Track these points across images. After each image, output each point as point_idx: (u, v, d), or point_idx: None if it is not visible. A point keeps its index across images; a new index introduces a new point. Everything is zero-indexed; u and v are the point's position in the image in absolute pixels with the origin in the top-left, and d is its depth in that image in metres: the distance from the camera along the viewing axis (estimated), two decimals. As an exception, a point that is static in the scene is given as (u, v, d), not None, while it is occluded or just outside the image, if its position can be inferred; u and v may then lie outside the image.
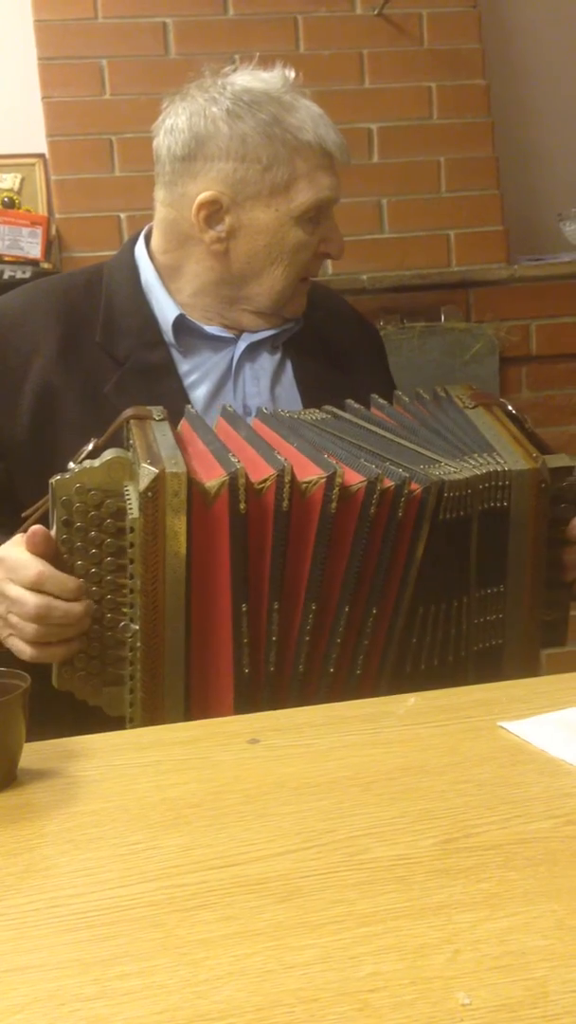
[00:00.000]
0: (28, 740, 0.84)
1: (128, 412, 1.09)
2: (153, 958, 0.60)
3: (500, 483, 1.07)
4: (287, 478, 0.98)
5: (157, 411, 1.10)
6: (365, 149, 2.76)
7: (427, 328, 2.61)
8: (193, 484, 0.97)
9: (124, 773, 0.83)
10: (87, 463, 1.03)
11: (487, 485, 1.06)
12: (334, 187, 1.24)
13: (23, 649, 1.03)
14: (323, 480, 0.98)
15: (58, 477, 1.02)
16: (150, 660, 1.00)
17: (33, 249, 2.55)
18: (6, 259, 2.52)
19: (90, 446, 1.08)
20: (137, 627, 1.00)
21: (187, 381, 1.26)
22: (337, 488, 0.98)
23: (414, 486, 1.00)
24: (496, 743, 0.85)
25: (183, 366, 1.26)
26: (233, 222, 1.22)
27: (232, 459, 0.99)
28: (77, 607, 1.00)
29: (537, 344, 2.73)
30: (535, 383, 2.75)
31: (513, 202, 2.92)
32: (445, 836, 0.71)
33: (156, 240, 1.29)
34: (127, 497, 1.01)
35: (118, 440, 1.10)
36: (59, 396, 1.22)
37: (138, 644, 1.00)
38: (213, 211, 1.22)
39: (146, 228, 1.32)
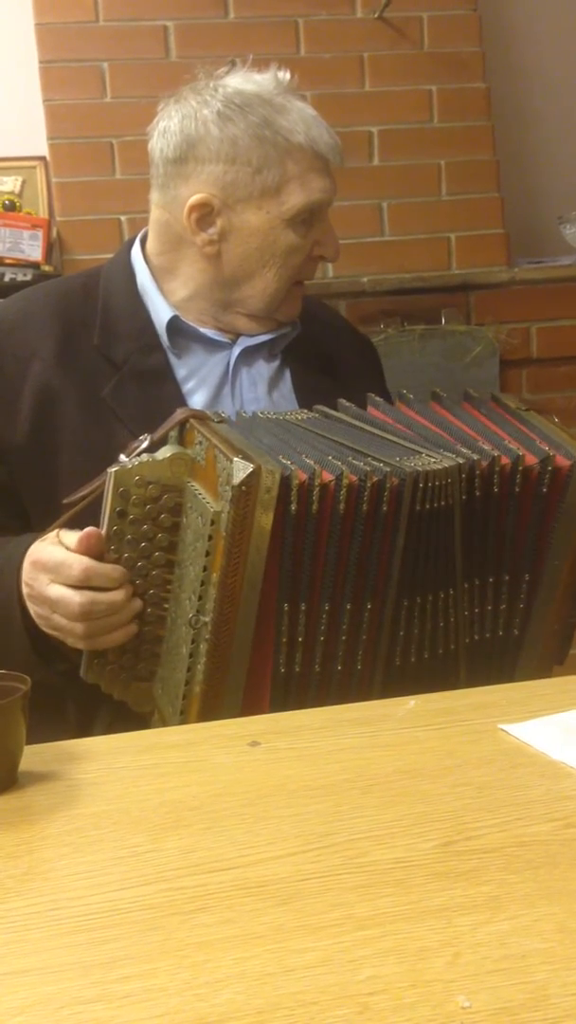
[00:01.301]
0: (31, 742, 0.84)
1: (181, 413, 1.09)
2: (153, 961, 0.60)
3: (494, 471, 1.05)
4: (317, 480, 0.99)
5: (212, 413, 1.11)
6: (366, 152, 2.76)
7: (427, 331, 2.61)
8: (283, 483, 0.98)
9: (124, 776, 0.83)
10: (146, 456, 1.04)
11: (469, 475, 1.05)
12: (327, 189, 1.24)
13: (76, 643, 1.05)
14: (333, 481, 0.99)
15: (117, 467, 1.03)
16: (218, 653, 1.00)
17: (34, 252, 2.55)
18: (7, 262, 2.52)
19: (145, 442, 1.08)
20: (207, 619, 1.00)
21: (185, 387, 1.26)
22: (345, 488, 0.99)
23: (393, 479, 1.01)
24: (496, 746, 0.85)
25: (180, 371, 1.27)
26: (224, 224, 1.22)
27: (283, 460, 1.00)
28: (119, 595, 1.02)
29: (537, 347, 2.73)
30: (535, 386, 2.75)
31: (513, 205, 2.93)
32: (445, 839, 0.71)
33: (151, 242, 1.30)
34: (196, 492, 1.01)
35: (166, 438, 1.10)
36: (58, 399, 1.22)
37: (206, 636, 1.00)
38: (204, 213, 1.22)
39: (142, 232, 1.33)
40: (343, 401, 1.20)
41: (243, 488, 0.96)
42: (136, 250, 1.31)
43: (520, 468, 1.06)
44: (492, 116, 2.87)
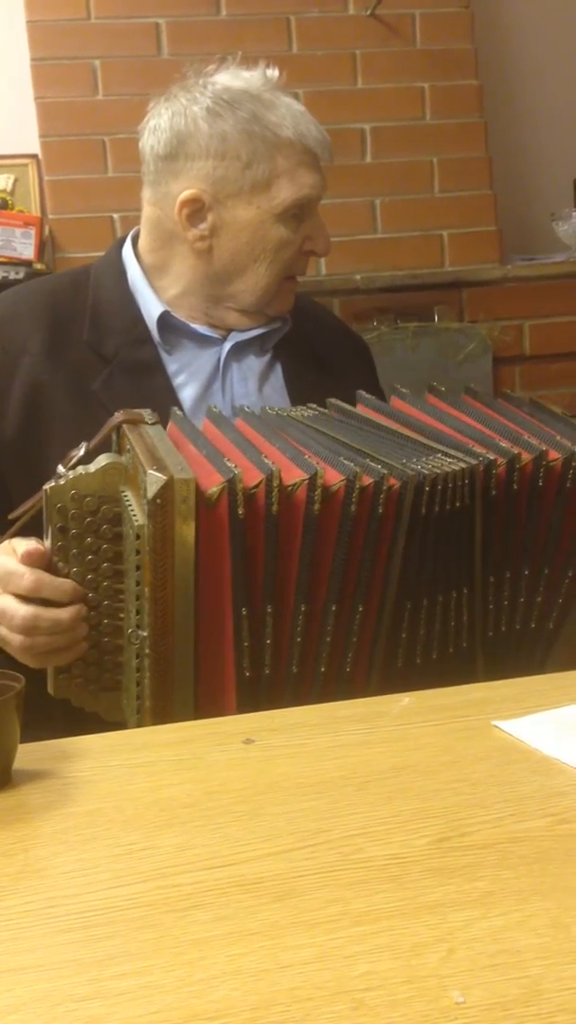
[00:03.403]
0: (22, 741, 0.84)
1: (119, 416, 1.09)
2: (148, 958, 0.60)
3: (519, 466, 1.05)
4: (275, 482, 0.98)
5: (148, 414, 1.10)
6: (358, 149, 2.76)
7: (421, 328, 2.61)
8: (199, 490, 0.97)
9: (119, 774, 0.83)
10: (81, 469, 1.03)
11: (487, 474, 1.04)
12: (317, 185, 1.24)
13: (23, 658, 1.03)
14: (306, 482, 0.98)
15: (52, 484, 1.02)
16: (160, 666, 1.00)
17: (26, 250, 2.55)
18: (-1, 260, 2.52)
19: (81, 451, 1.07)
20: (145, 633, 0.99)
21: (175, 380, 1.26)
22: (319, 489, 0.98)
23: (392, 481, 1.00)
24: (490, 742, 0.86)
25: (171, 365, 1.27)
26: (215, 220, 1.23)
27: (228, 464, 0.99)
28: (65, 614, 1.00)
29: (531, 344, 2.74)
30: (528, 383, 2.75)
31: (506, 202, 2.93)
32: (439, 835, 0.71)
33: (143, 239, 1.30)
34: (127, 503, 1.00)
35: (107, 443, 1.10)
36: (48, 394, 1.22)
37: (147, 651, 1.00)
38: (195, 209, 1.22)
39: (133, 230, 1.33)
40: (334, 401, 1.20)
41: (158, 501, 0.95)
42: (127, 248, 1.31)
43: (544, 463, 1.05)
44: (485, 113, 2.87)
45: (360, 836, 0.72)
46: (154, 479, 0.95)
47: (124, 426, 1.08)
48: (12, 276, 2.47)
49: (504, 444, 1.07)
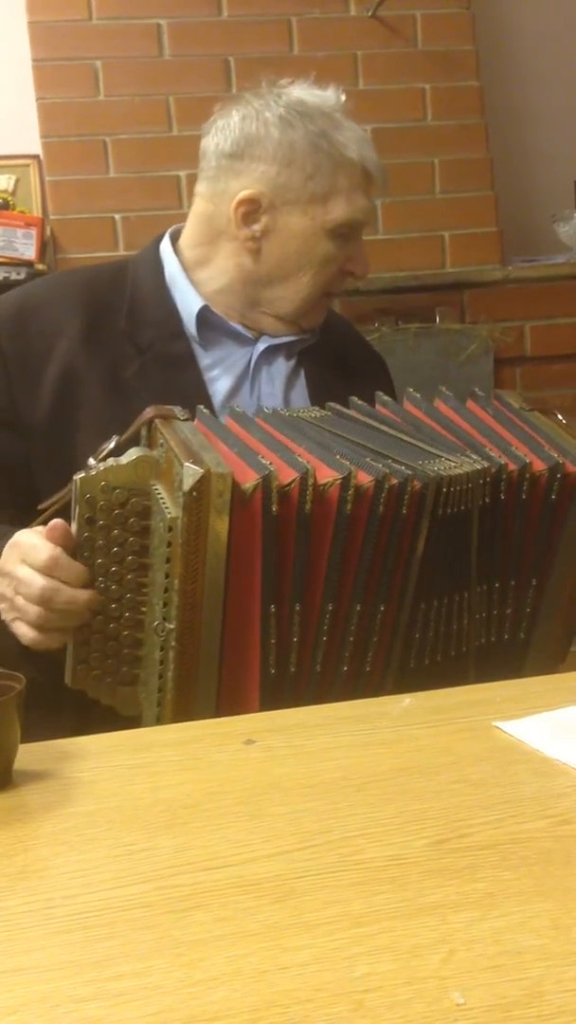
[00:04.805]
0: (30, 736, 0.84)
1: (150, 411, 1.10)
2: (148, 959, 0.60)
3: (505, 476, 1.07)
4: (310, 480, 0.99)
5: (179, 410, 1.11)
6: (359, 150, 2.76)
7: (422, 329, 2.61)
8: (235, 485, 0.98)
9: (119, 774, 0.83)
10: (111, 461, 1.04)
11: (486, 480, 1.06)
12: (367, 211, 1.28)
13: (25, 632, 1.04)
14: (339, 481, 0.99)
15: (82, 474, 1.02)
16: (184, 660, 1.00)
17: (28, 250, 2.55)
18: (0, 260, 2.51)
19: (112, 444, 1.08)
20: (172, 626, 1.00)
21: (208, 374, 1.28)
22: (352, 489, 0.99)
23: (415, 483, 1.01)
24: (490, 743, 0.85)
25: (204, 359, 1.29)
26: (269, 223, 1.25)
27: (262, 461, 1.00)
28: (82, 594, 1.02)
29: (531, 345, 2.73)
30: (529, 384, 2.75)
31: (507, 203, 2.93)
32: (439, 836, 0.71)
33: (188, 233, 1.32)
34: (158, 496, 1.01)
35: (136, 438, 1.11)
36: (81, 379, 1.23)
37: (172, 643, 1.00)
38: (251, 209, 1.25)
39: (172, 228, 1.35)
40: (354, 399, 1.21)
41: (193, 494, 0.95)
42: (166, 244, 1.33)
43: (527, 475, 1.07)
44: (486, 114, 2.87)
45: (360, 837, 0.72)
46: (191, 472, 0.96)
47: (156, 421, 1.08)
48: (13, 277, 2.47)
49: (493, 452, 1.09)
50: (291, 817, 0.75)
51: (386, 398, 1.24)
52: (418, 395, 1.24)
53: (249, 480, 0.98)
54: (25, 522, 1.15)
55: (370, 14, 2.77)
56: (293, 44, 2.76)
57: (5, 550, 1.07)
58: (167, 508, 0.99)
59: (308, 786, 0.79)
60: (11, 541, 1.07)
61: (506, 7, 3.06)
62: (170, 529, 0.98)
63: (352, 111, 1.30)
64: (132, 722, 1.06)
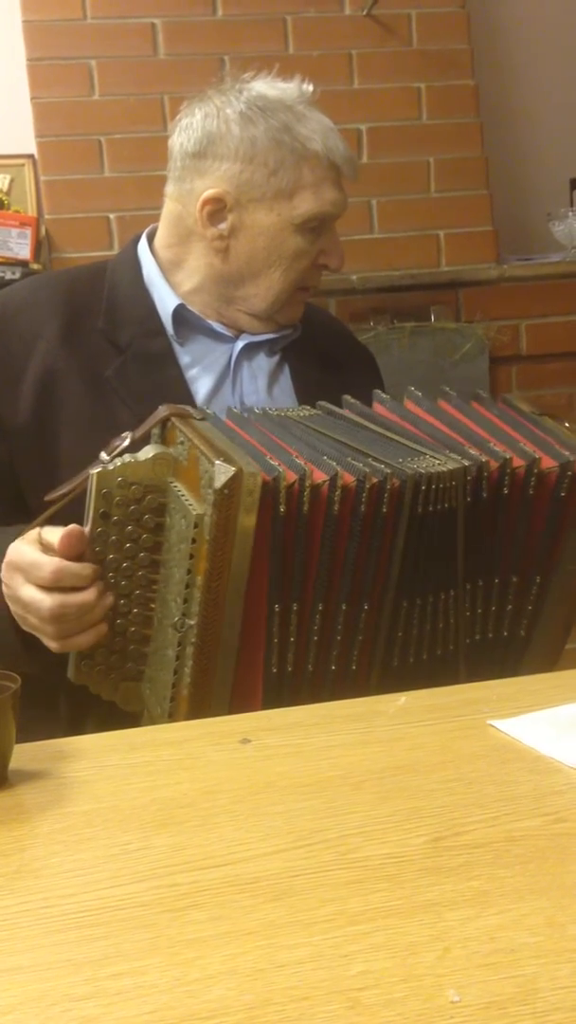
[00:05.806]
0: (24, 734, 0.84)
1: (164, 410, 1.10)
2: (144, 958, 0.60)
3: (500, 472, 1.06)
4: (307, 481, 0.99)
5: (195, 411, 1.11)
6: (354, 150, 2.76)
7: (417, 328, 2.61)
8: (265, 485, 0.98)
9: (115, 774, 0.83)
10: (128, 457, 1.04)
11: (472, 476, 1.05)
12: (338, 202, 1.26)
13: (50, 644, 1.05)
14: (327, 482, 0.99)
15: (99, 469, 1.02)
16: (204, 656, 1.00)
17: (22, 250, 2.55)
18: (-5, 260, 2.51)
19: (126, 441, 1.08)
20: (193, 623, 1.00)
21: (189, 373, 1.28)
22: (339, 489, 0.99)
23: (395, 480, 1.01)
24: (486, 741, 0.86)
25: (184, 357, 1.28)
26: (235, 221, 1.24)
27: (271, 461, 1.00)
28: (90, 595, 1.02)
29: (527, 344, 2.74)
30: (525, 383, 2.75)
31: (502, 202, 2.93)
32: (435, 834, 0.72)
33: (161, 234, 1.32)
34: (179, 493, 1.01)
35: (147, 436, 1.10)
36: (61, 380, 1.23)
37: (192, 639, 1.00)
38: (217, 208, 1.24)
39: (149, 228, 1.35)
40: (348, 398, 1.21)
41: (225, 492, 0.95)
42: (143, 245, 1.33)
43: (535, 471, 1.07)
44: (481, 113, 2.87)
45: (356, 835, 0.72)
46: (223, 469, 0.96)
47: (173, 420, 1.08)
48: (8, 276, 2.46)
49: (499, 448, 1.08)
50: (287, 816, 0.75)
51: (385, 396, 1.24)
52: (419, 394, 1.23)
53: (268, 480, 0.99)
54: (11, 521, 1.15)
55: (365, 13, 2.77)
56: (288, 43, 2.76)
57: (5, 572, 1.06)
58: (191, 505, 0.99)
59: (304, 785, 0.79)
60: (9, 560, 1.06)
61: (501, 6, 3.06)
62: (195, 526, 0.98)
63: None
64: (129, 719, 1.06)
